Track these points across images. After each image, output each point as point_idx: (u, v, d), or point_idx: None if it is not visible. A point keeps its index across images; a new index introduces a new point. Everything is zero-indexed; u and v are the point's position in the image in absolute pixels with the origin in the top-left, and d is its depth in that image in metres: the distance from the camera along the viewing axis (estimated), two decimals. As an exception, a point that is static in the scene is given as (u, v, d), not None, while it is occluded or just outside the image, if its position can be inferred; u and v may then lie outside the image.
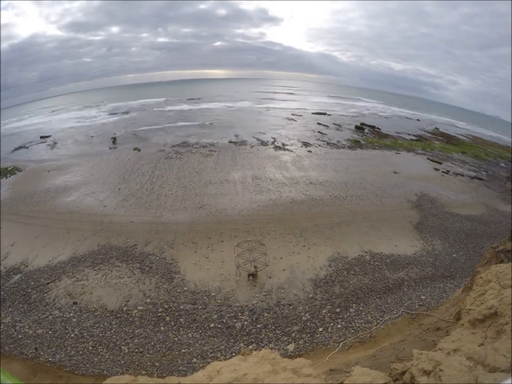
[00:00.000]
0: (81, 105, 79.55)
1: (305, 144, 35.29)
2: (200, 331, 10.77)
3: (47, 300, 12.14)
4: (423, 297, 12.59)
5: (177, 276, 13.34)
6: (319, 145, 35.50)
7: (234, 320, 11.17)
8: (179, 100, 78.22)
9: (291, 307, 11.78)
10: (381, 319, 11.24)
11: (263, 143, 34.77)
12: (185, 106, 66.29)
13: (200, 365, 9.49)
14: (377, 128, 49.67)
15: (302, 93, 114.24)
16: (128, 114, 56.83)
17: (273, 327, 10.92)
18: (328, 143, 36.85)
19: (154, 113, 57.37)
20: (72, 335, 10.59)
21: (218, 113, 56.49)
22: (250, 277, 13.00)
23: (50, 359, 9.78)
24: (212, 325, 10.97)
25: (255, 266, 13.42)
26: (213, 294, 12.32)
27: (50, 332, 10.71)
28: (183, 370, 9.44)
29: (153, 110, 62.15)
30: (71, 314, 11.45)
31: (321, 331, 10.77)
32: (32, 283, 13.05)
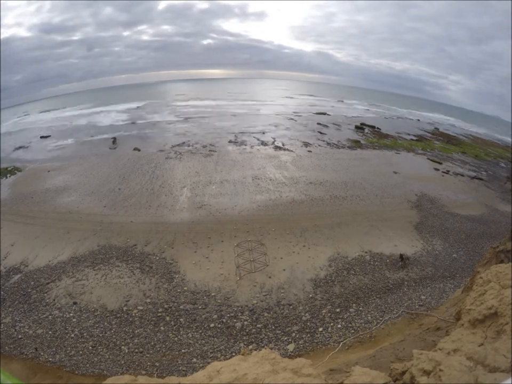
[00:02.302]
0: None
1: (305, 144, 35.30)
2: (200, 331, 10.77)
3: (47, 300, 12.14)
4: (423, 297, 12.59)
5: (177, 276, 13.34)
6: (319, 145, 35.50)
7: (234, 320, 11.17)
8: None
9: (291, 307, 11.78)
10: (381, 319, 11.24)
11: (263, 143, 34.79)
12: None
13: (200, 365, 9.49)
14: (377, 128, 49.66)
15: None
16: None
17: (273, 327, 10.92)
18: (328, 143, 36.85)
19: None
20: (72, 335, 10.59)
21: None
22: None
23: (50, 359, 9.78)
24: (212, 325, 10.97)
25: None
26: (213, 294, 12.32)
27: (50, 332, 10.71)
28: (183, 370, 9.44)
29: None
30: (71, 314, 11.45)
31: (321, 331, 10.77)
32: (32, 283, 13.05)
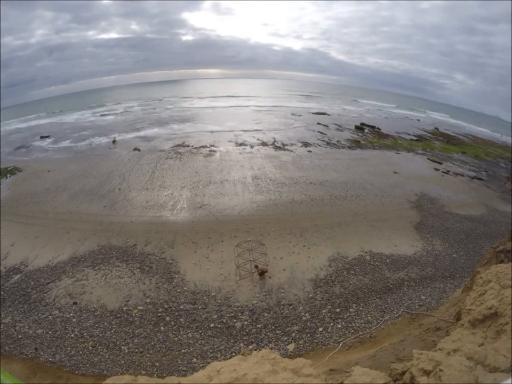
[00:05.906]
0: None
1: (305, 144, 35.30)
2: (200, 331, 10.76)
3: (47, 300, 12.14)
4: (423, 297, 12.58)
5: (177, 276, 13.34)
6: (319, 145, 35.50)
7: (234, 320, 11.16)
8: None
9: (291, 307, 11.78)
10: (381, 319, 11.24)
11: (263, 143, 34.78)
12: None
13: (200, 365, 9.49)
14: (377, 128, 49.66)
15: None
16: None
17: (273, 327, 10.91)
18: (328, 143, 36.85)
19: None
20: (72, 335, 10.59)
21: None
22: (258, 273, 13.01)
23: (50, 359, 9.78)
24: (212, 325, 10.97)
25: (256, 266, 13.38)
26: (213, 294, 12.32)
27: (50, 332, 10.71)
28: (183, 370, 9.44)
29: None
30: (71, 314, 11.45)
31: (321, 331, 10.77)
32: (32, 283, 13.05)
